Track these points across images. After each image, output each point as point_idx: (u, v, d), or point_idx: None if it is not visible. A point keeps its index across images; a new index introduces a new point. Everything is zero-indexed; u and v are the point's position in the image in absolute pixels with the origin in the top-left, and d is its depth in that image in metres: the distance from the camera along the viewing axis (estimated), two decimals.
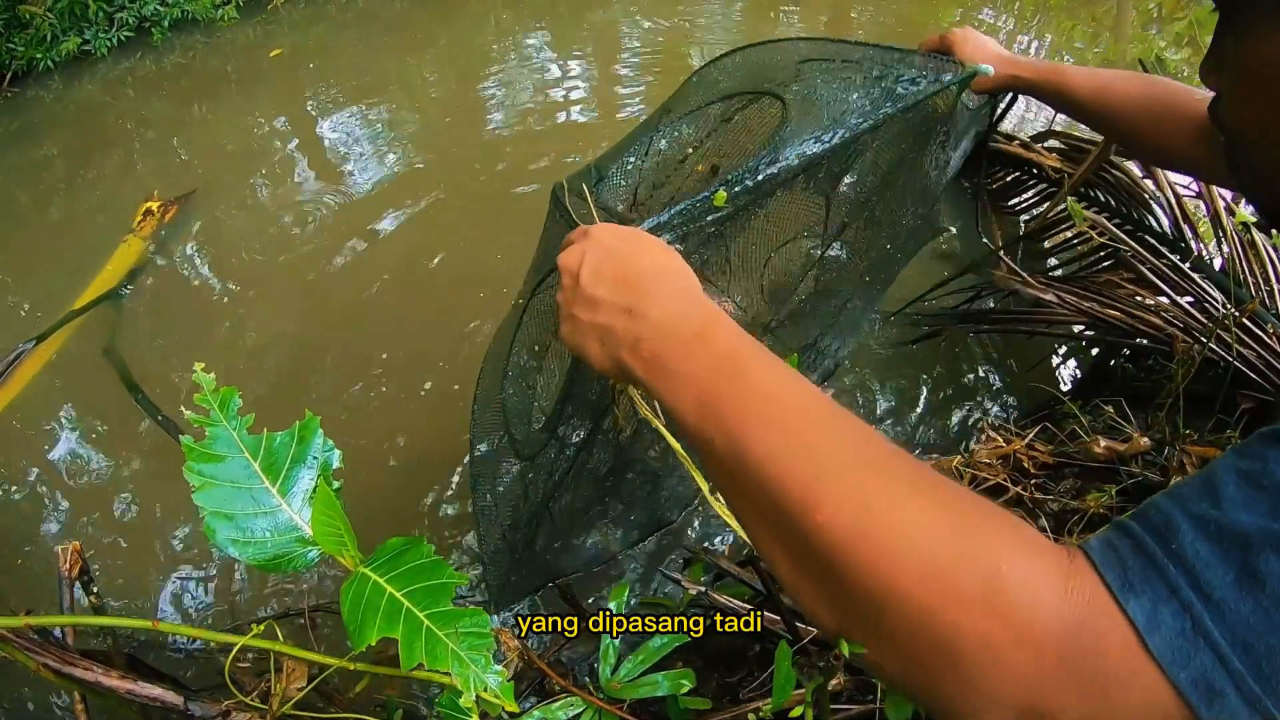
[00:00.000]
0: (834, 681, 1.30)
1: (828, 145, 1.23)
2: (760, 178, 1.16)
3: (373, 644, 0.93)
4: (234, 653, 1.12)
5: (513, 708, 0.89)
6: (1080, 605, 0.51)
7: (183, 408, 1.08)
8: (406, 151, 3.86)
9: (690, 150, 1.43)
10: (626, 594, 1.35)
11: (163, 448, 2.54)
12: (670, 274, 0.83)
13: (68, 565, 1.23)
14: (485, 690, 0.87)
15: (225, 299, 3.10)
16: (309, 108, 4.30)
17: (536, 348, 1.48)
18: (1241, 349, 1.92)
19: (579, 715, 1.21)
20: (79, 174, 4.05)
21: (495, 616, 2.07)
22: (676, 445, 0.97)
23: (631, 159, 1.35)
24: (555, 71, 4.56)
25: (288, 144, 4.04)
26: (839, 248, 1.74)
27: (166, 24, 4.92)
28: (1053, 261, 2.88)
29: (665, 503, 1.98)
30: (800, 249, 1.67)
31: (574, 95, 4.32)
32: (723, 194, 1.11)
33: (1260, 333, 1.95)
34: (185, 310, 3.07)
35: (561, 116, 4.12)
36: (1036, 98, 1.60)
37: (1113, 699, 0.50)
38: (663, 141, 1.42)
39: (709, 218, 1.13)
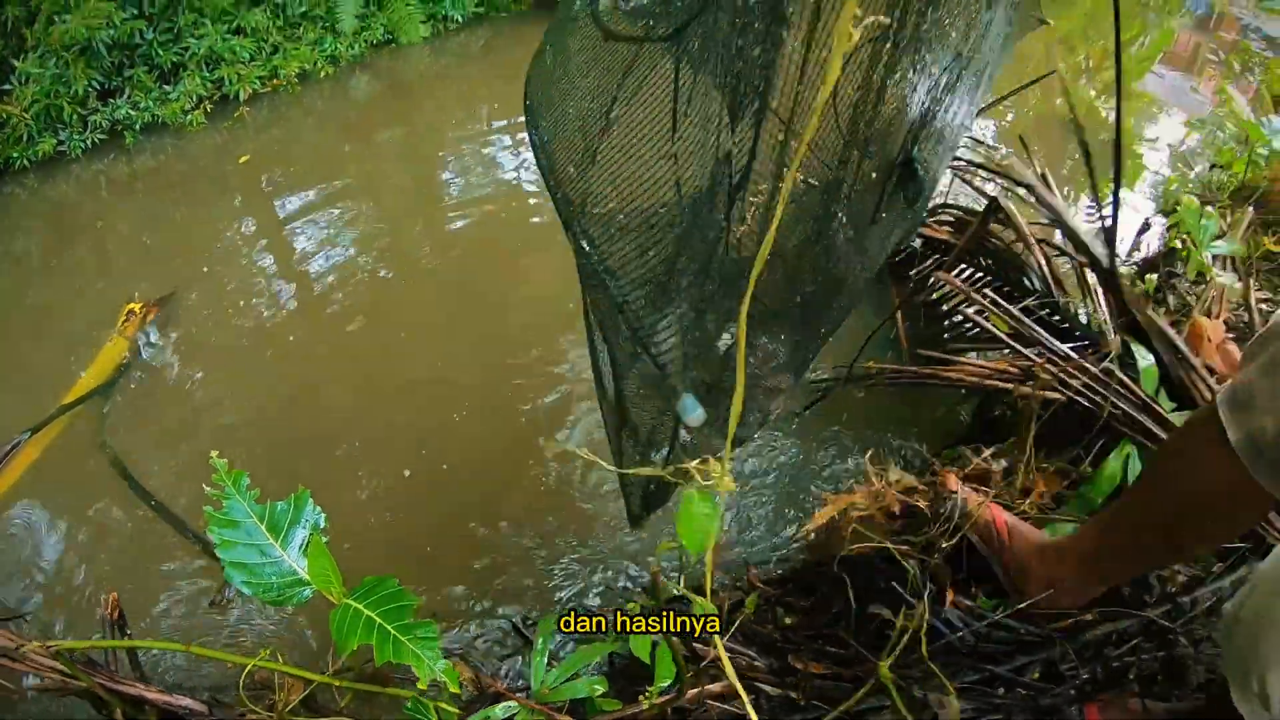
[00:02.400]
0: (720, 685, 1.72)
1: None
2: None
3: (354, 652, 1.34)
4: (246, 671, 1.52)
5: (454, 689, 1.30)
6: None
7: (204, 486, 1.50)
8: (371, 246, 4.31)
9: None
10: (554, 625, 1.75)
11: (151, 529, 2.92)
12: None
13: (109, 610, 1.62)
14: (435, 675, 1.28)
15: (207, 393, 3.51)
16: (276, 208, 4.73)
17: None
18: (1076, 390, 2.39)
19: (514, 715, 1.61)
20: (56, 270, 4.44)
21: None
22: None
23: None
24: (511, 162, 5.08)
25: (258, 243, 4.48)
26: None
27: (138, 127, 5.34)
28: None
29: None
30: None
31: (528, 183, 4.86)
32: None
33: (1085, 376, 2.42)
34: (170, 404, 3.47)
35: (520, 205, 4.67)
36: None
37: None
38: None
39: None
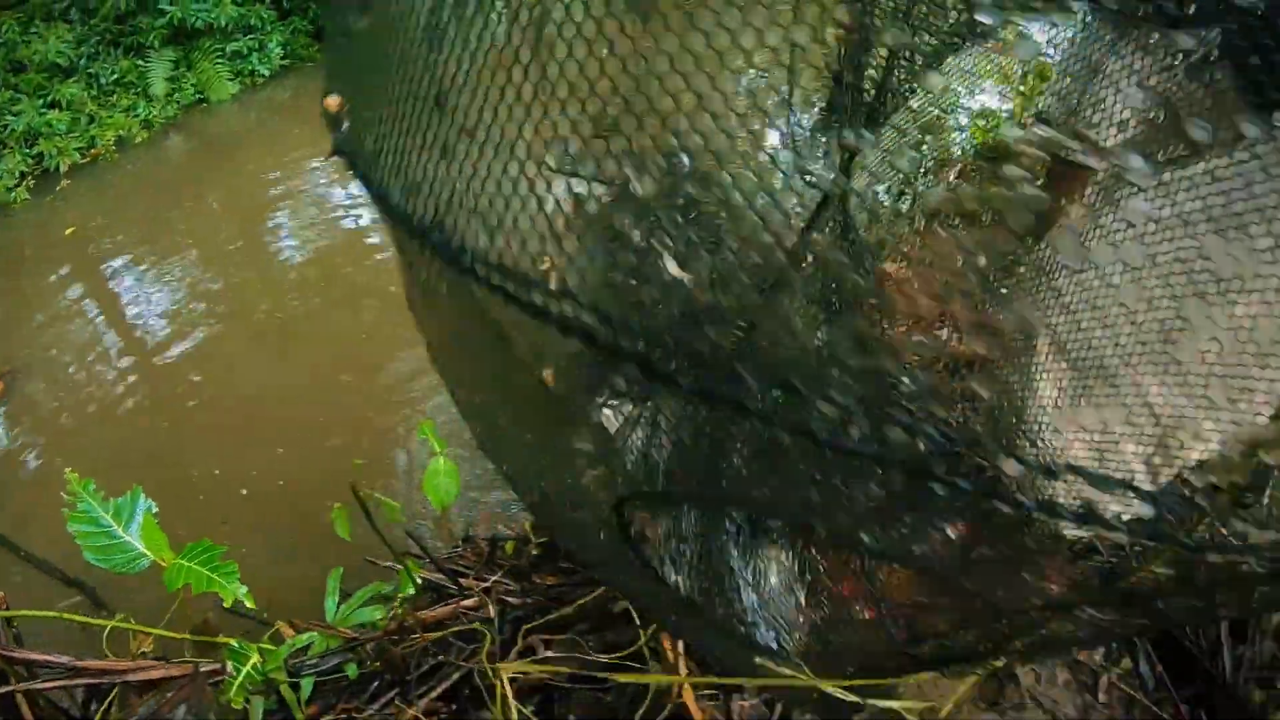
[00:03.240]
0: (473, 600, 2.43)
1: None
2: None
3: (178, 589, 2.01)
4: (108, 630, 2.17)
5: (252, 605, 1.99)
6: None
7: (62, 493, 2.14)
8: (203, 299, 4.89)
9: None
10: (339, 575, 2.45)
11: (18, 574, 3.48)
12: None
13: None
14: (236, 596, 1.96)
15: (58, 453, 4.07)
16: (106, 275, 5.26)
17: None
18: None
19: (314, 641, 2.30)
20: None
21: None
22: None
23: None
24: (331, 203, 5.69)
25: (91, 311, 5.01)
26: None
27: None
28: None
29: None
30: None
31: (362, 219, 5.48)
32: None
33: None
34: (24, 467, 4.03)
35: (354, 242, 5.29)
36: None
37: None
38: None
39: None
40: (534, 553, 2.69)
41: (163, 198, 6.01)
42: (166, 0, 6.40)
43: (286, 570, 3.33)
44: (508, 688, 2.00)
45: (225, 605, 1.97)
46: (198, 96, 6.73)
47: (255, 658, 2.20)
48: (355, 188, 5.74)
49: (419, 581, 2.26)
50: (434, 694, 2.19)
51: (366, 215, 5.52)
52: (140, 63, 6.51)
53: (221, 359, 4.49)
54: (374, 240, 5.30)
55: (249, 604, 1.99)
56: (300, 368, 4.31)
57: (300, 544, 3.39)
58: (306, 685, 2.25)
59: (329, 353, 4.39)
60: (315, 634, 2.32)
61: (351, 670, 2.28)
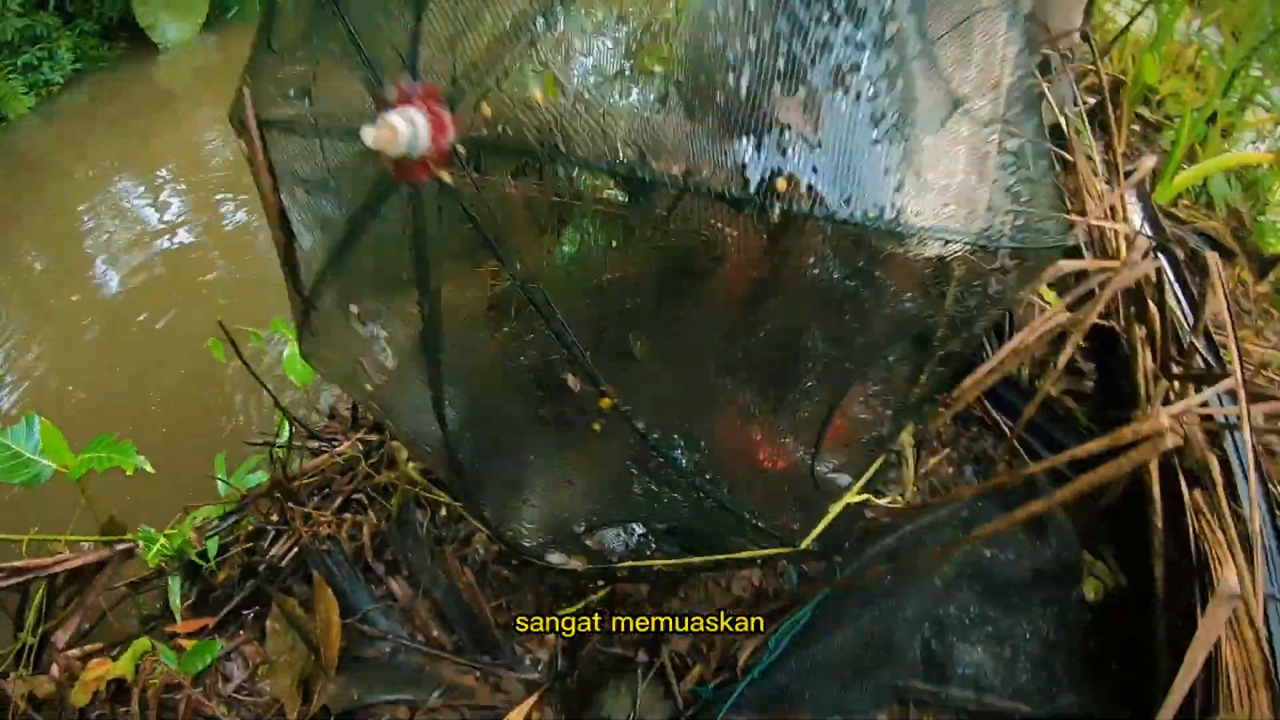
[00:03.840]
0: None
1: None
2: None
3: (80, 479, 2.43)
4: (25, 542, 2.58)
5: (150, 469, 2.43)
6: None
7: None
8: (30, 327, 4.91)
9: None
10: (223, 456, 2.89)
11: None
12: None
13: None
14: (138, 465, 2.39)
15: None
16: None
17: None
18: None
19: (211, 514, 2.75)
20: None
21: None
22: None
23: None
24: (147, 209, 5.81)
25: None
26: None
27: None
28: None
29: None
30: None
31: (176, 219, 5.63)
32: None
33: None
34: None
35: (167, 243, 5.43)
36: None
37: None
38: None
39: None
40: None
41: None
42: None
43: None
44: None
45: (127, 472, 2.39)
46: None
47: (163, 539, 2.64)
48: (167, 191, 5.93)
49: (292, 429, 2.73)
50: (328, 508, 2.67)
51: (177, 207, 5.70)
52: None
53: (62, 376, 4.60)
54: (190, 239, 5.45)
55: (149, 469, 2.43)
56: (149, 361, 4.53)
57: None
58: (212, 546, 2.69)
59: (171, 347, 4.58)
60: (211, 507, 2.77)
61: (248, 521, 2.74)
